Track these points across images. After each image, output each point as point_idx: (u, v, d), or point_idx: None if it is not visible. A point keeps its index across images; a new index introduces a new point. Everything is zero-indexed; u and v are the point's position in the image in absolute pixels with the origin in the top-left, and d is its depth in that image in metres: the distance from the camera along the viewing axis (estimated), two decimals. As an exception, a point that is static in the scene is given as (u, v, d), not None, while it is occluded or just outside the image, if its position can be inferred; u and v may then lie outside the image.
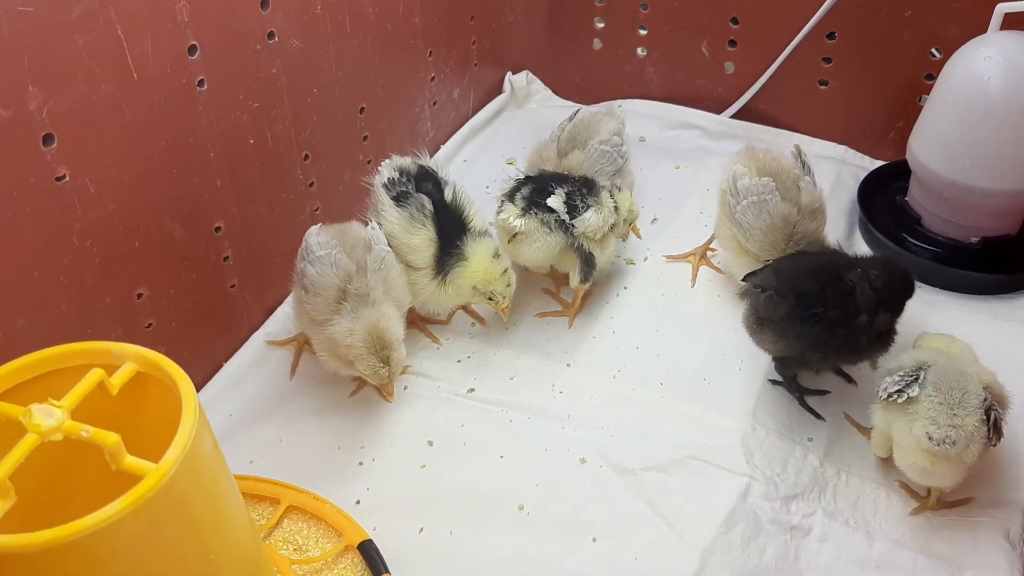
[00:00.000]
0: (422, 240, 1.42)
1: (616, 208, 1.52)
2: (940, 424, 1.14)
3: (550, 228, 1.45)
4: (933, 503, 1.24)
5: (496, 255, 1.44)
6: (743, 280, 1.41)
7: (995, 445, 1.17)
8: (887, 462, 1.28)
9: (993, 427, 1.14)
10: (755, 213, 1.46)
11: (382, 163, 1.51)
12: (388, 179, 1.46)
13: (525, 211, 1.45)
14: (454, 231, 1.43)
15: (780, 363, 1.40)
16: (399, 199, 1.44)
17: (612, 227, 1.51)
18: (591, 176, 1.56)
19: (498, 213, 1.48)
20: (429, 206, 1.43)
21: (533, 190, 1.47)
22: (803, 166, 1.52)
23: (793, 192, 1.48)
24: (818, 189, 1.50)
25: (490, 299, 1.45)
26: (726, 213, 1.52)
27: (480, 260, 1.43)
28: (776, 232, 1.45)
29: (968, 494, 1.26)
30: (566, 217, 1.44)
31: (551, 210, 1.44)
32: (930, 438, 1.13)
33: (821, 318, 1.29)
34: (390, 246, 1.41)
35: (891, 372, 1.22)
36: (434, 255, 1.43)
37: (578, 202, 1.45)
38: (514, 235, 1.46)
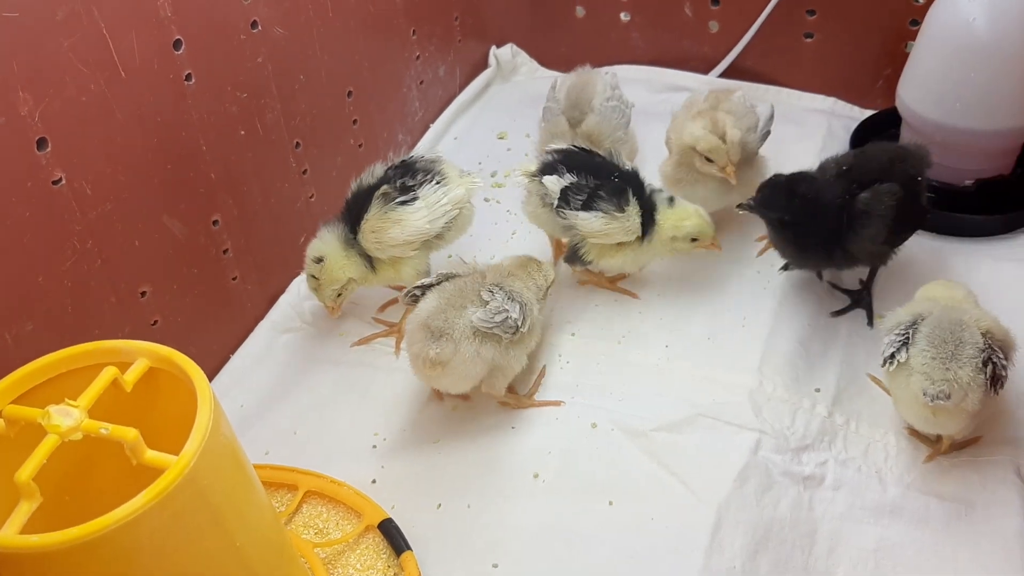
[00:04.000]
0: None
1: (654, 223, 1.44)
2: (934, 379, 1.13)
3: (542, 201, 1.47)
4: (945, 448, 1.25)
5: (346, 247, 1.43)
6: None
7: (997, 393, 1.16)
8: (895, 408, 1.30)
9: (992, 377, 1.14)
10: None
11: None
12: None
13: (536, 174, 1.46)
14: (354, 212, 1.44)
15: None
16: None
17: (638, 240, 1.44)
18: (609, 135, 1.61)
19: None
20: (374, 176, 1.45)
21: (553, 162, 1.46)
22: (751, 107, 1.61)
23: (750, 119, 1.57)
24: (749, 106, 1.60)
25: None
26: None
27: (335, 244, 1.43)
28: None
29: (976, 434, 1.27)
30: (553, 201, 1.43)
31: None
32: (924, 393, 1.13)
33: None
34: None
35: (889, 331, 1.22)
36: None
37: (572, 197, 1.42)
38: None
